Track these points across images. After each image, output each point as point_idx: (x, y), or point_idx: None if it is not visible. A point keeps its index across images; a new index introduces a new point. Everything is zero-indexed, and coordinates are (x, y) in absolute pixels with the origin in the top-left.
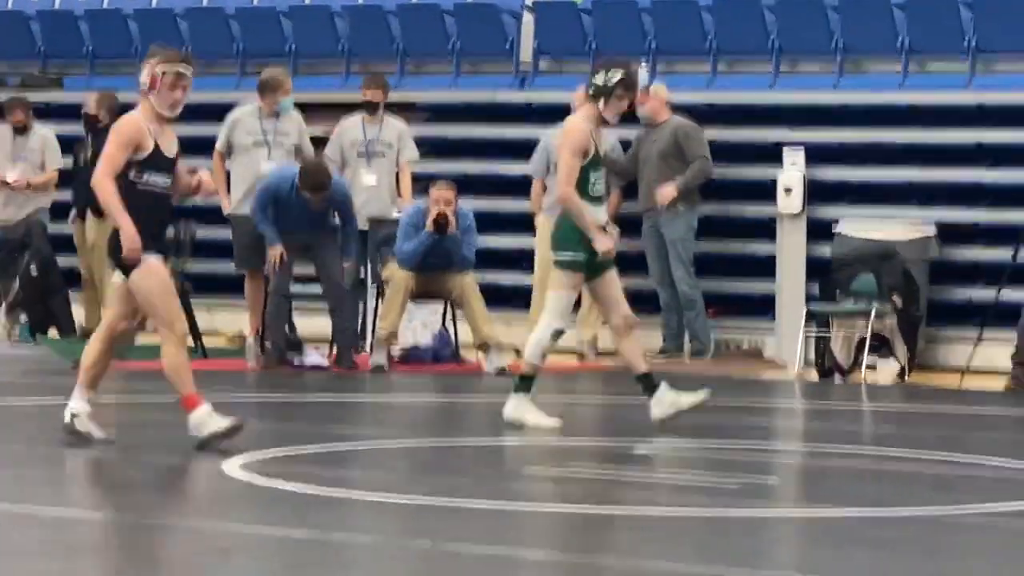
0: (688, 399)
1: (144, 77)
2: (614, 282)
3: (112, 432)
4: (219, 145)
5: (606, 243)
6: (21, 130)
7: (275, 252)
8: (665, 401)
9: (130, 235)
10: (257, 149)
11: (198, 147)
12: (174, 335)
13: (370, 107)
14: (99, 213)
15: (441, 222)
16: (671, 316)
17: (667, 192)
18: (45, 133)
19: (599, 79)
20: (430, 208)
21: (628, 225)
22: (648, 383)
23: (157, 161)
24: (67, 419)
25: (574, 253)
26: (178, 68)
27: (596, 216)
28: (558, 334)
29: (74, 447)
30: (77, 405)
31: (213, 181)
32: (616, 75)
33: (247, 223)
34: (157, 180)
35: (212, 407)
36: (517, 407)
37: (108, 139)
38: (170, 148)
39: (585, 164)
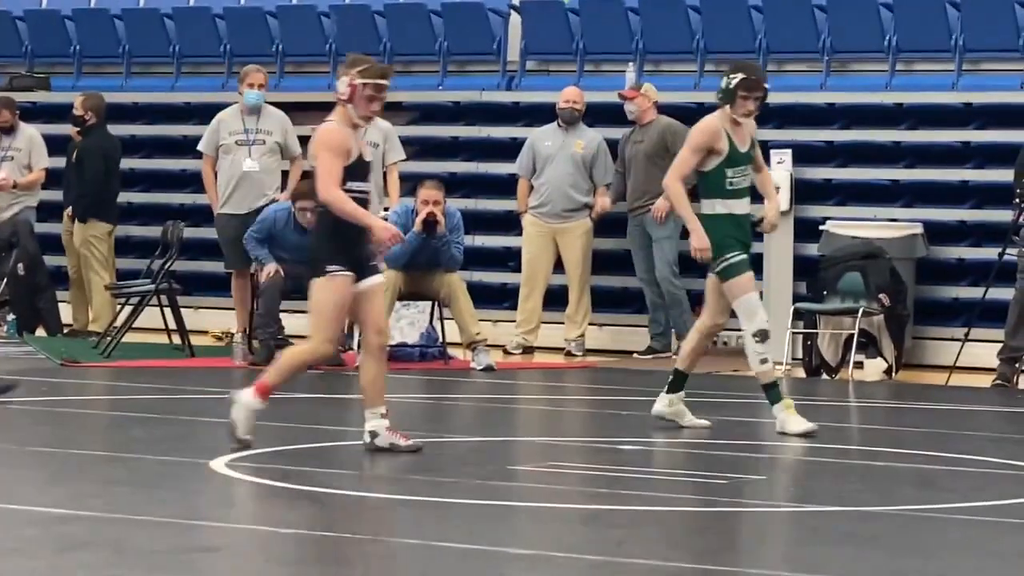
0: (690, 420)
1: (342, 87)
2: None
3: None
4: (205, 147)
5: (703, 241)
6: (7, 130)
7: (271, 268)
8: (673, 407)
9: (380, 226)
10: (239, 148)
11: (184, 148)
12: (317, 349)
13: None
14: (83, 218)
15: (430, 222)
16: (658, 315)
17: (661, 206)
18: (32, 133)
19: (723, 83)
20: (418, 208)
21: (614, 224)
22: (678, 382)
23: (360, 168)
24: (367, 440)
25: (729, 256)
26: (378, 81)
27: (732, 208)
28: (763, 334)
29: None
30: (372, 424)
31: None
32: (736, 78)
33: (233, 222)
34: (361, 187)
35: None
36: (784, 418)
37: (318, 155)
38: (367, 154)
39: (720, 162)
